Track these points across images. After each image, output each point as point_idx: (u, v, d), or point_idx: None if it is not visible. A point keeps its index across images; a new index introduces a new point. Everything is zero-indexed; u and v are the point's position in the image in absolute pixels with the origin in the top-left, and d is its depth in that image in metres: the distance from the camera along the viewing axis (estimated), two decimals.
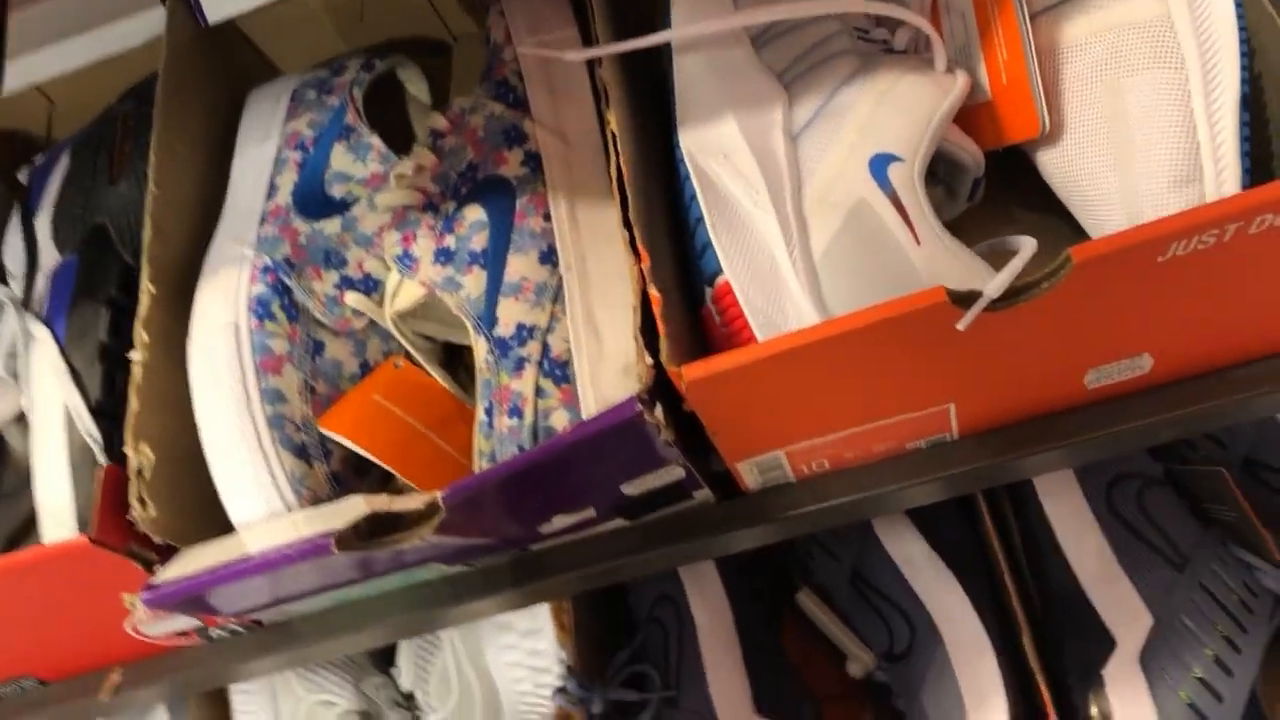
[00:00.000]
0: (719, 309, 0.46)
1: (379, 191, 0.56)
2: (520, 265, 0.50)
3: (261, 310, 0.51)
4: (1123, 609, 0.61)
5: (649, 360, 0.43)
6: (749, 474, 0.49)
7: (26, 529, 0.59)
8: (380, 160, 0.57)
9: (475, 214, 0.51)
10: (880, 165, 0.46)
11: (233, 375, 0.49)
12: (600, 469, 0.45)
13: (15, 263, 0.59)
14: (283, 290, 0.52)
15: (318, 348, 0.52)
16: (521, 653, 0.71)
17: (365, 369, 0.54)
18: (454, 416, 0.53)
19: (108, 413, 0.51)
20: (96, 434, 0.50)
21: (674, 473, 0.47)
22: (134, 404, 0.49)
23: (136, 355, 0.50)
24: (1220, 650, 0.57)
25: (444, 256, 0.51)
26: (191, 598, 0.45)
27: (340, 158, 0.57)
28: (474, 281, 0.50)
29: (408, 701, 0.73)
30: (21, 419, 0.58)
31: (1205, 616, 0.58)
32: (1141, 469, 0.63)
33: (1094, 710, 0.59)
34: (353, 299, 0.54)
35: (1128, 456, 0.64)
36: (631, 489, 0.47)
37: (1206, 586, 0.59)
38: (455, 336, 0.55)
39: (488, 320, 0.49)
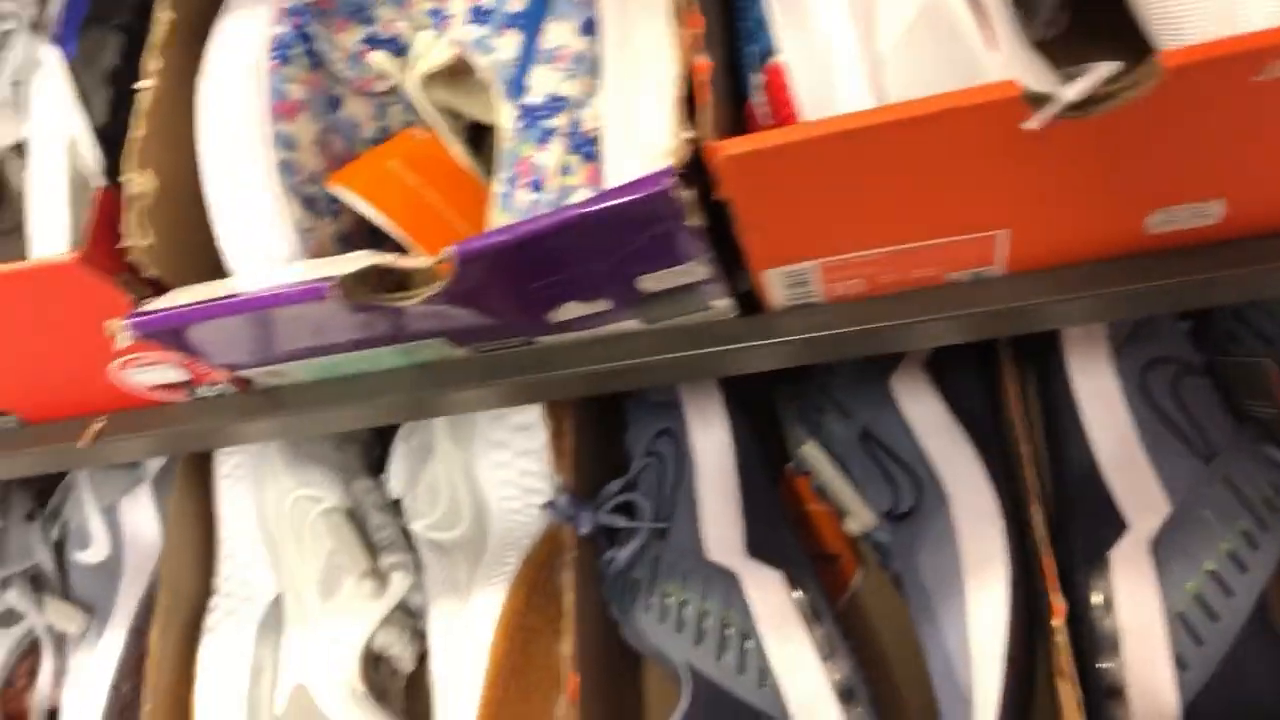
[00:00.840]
0: (767, 94, 0.42)
1: None
2: (558, 32, 0.47)
3: (281, 52, 0.47)
4: (1140, 494, 0.58)
5: (687, 135, 0.40)
6: (776, 286, 0.46)
7: None
8: None
9: None
10: None
11: (244, 112, 0.46)
12: (619, 252, 0.42)
13: None
14: (306, 36, 0.48)
15: (335, 102, 0.49)
16: (514, 471, 0.69)
17: (384, 135, 0.51)
18: (470, 195, 0.51)
19: (110, 139, 0.48)
20: (99, 156, 0.48)
21: (697, 271, 0.44)
22: (140, 129, 0.46)
23: (146, 81, 0.47)
24: (1237, 546, 0.55)
25: (479, 15, 0.48)
26: (177, 331, 0.43)
27: None
28: (508, 44, 0.47)
29: (394, 508, 0.71)
30: (20, 149, 0.55)
31: (1226, 511, 0.56)
32: (1181, 354, 0.60)
33: (1095, 592, 0.57)
34: (377, 58, 0.50)
35: (1168, 338, 0.61)
36: (649, 282, 0.44)
37: (1232, 481, 0.56)
38: (477, 111, 0.52)
39: (517, 86, 0.46)
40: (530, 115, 0.45)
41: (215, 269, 0.47)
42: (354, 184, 0.47)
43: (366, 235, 0.50)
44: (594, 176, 0.44)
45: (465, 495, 0.69)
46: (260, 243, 0.45)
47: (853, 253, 0.44)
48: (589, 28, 0.47)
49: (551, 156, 0.45)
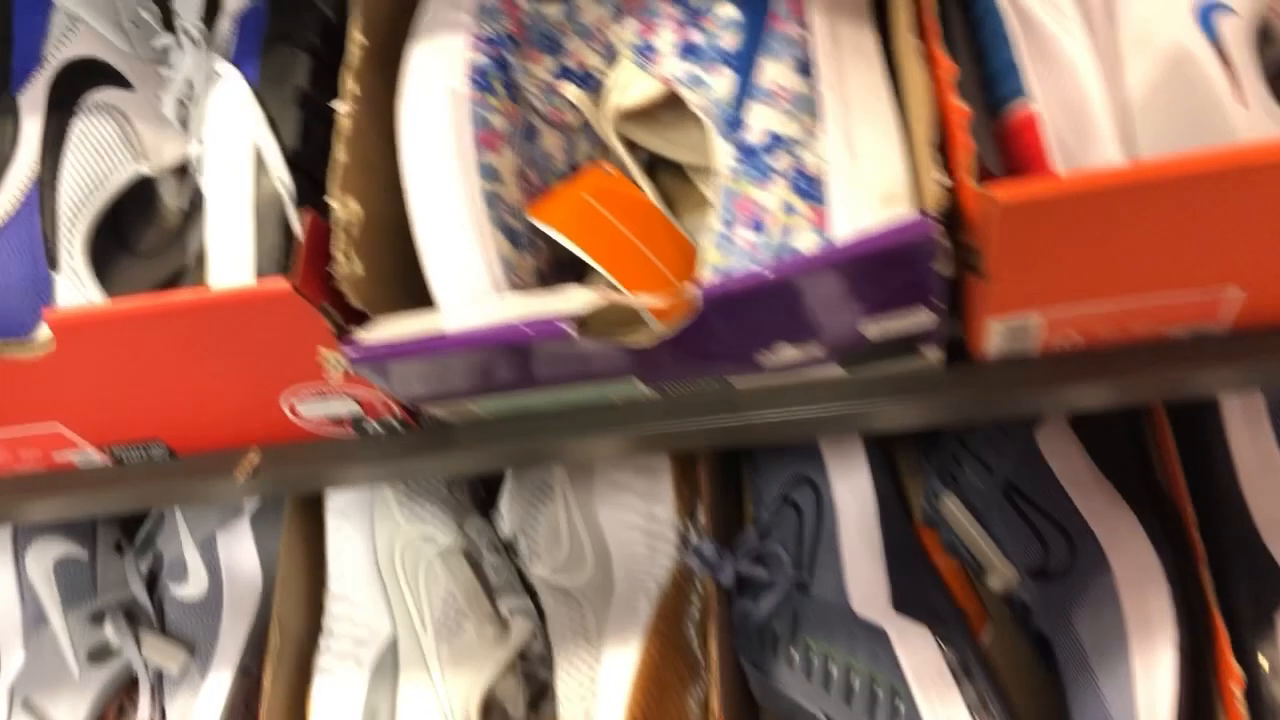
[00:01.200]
0: (1015, 140, 0.41)
1: None
2: (774, 71, 0.45)
3: (482, 81, 0.46)
4: None
5: (942, 179, 0.39)
6: (994, 336, 0.45)
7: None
8: None
9: (727, 11, 0.47)
10: (1207, 13, 0.41)
11: (450, 142, 0.44)
12: (860, 296, 0.41)
13: (187, 9, 0.54)
14: (504, 65, 0.47)
15: (532, 134, 0.48)
16: (638, 514, 0.67)
17: (571, 170, 0.50)
18: (661, 232, 0.49)
19: (300, 163, 0.46)
20: (289, 181, 0.46)
21: (925, 318, 0.43)
22: (341, 156, 0.44)
23: (344, 106, 0.45)
24: None
25: (689, 51, 0.46)
26: (390, 363, 0.41)
27: None
28: (722, 82, 0.46)
29: (507, 548, 0.69)
30: (179, 171, 0.53)
31: None
32: None
33: (1262, 658, 0.55)
34: (572, 92, 0.49)
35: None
36: (874, 329, 0.43)
37: None
38: (668, 148, 0.51)
39: (734, 123, 0.45)
40: (750, 154, 0.44)
41: (409, 299, 0.46)
42: (556, 218, 0.46)
43: (558, 270, 0.48)
44: (819, 219, 0.43)
45: (586, 538, 0.67)
46: (468, 276, 0.43)
47: (1085, 305, 0.43)
48: (804, 68, 0.46)
49: (774, 197, 0.43)
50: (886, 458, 0.66)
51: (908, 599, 0.61)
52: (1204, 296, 0.43)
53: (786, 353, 0.44)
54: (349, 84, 0.46)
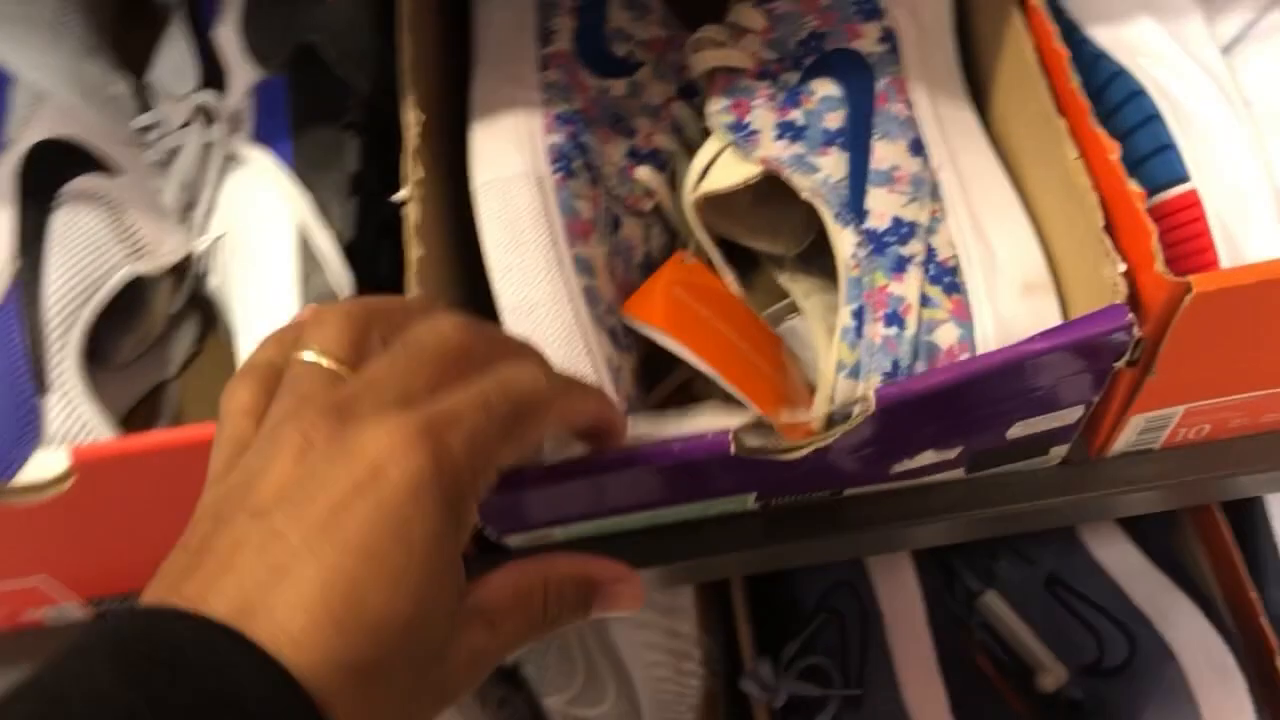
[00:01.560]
0: (1171, 222, 0.39)
1: (664, 58, 0.48)
2: (889, 152, 0.42)
3: (563, 165, 0.41)
4: None
5: (1120, 266, 0.36)
6: (1130, 433, 0.42)
7: (144, 410, 0.47)
8: (661, 24, 0.49)
9: (827, 88, 0.43)
10: None
11: (541, 233, 0.39)
12: (1028, 393, 0.37)
13: (179, 79, 0.47)
14: (582, 148, 0.42)
15: (616, 223, 0.43)
16: (659, 633, 0.61)
17: (648, 259, 0.45)
18: (749, 325, 0.45)
19: (357, 257, 0.40)
20: (347, 277, 0.39)
21: (1073, 415, 0.39)
22: (415, 250, 0.38)
23: (408, 192, 0.39)
24: None
25: (790, 131, 0.43)
26: (534, 491, 0.35)
27: (618, 13, 0.48)
28: (833, 164, 0.42)
29: (510, 675, 0.62)
30: (177, 271, 0.46)
31: None
32: None
33: None
34: (645, 174, 0.44)
35: None
36: (1020, 429, 0.39)
37: None
38: (748, 236, 0.47)
39: (855, 209, 0.41)
40: (877, 242, 0.40)
41: None
42: (654, 317, 0.41)
43: (648, 370, 0.43)
44: (960, 309, 0.40)
45: (604, 661, 0.61)
46: None
47: (1233, 395, 0.41)
48: (917, 148, 0.42)
49: (910, 288, 0.40)
50: (927, 553, 0.63)
51: (968, 706, 0.57)
52: None
53: (925, 457, 0.40)
54: (412, 168, 0.40)
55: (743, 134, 0.43)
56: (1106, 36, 0.42)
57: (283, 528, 0.24)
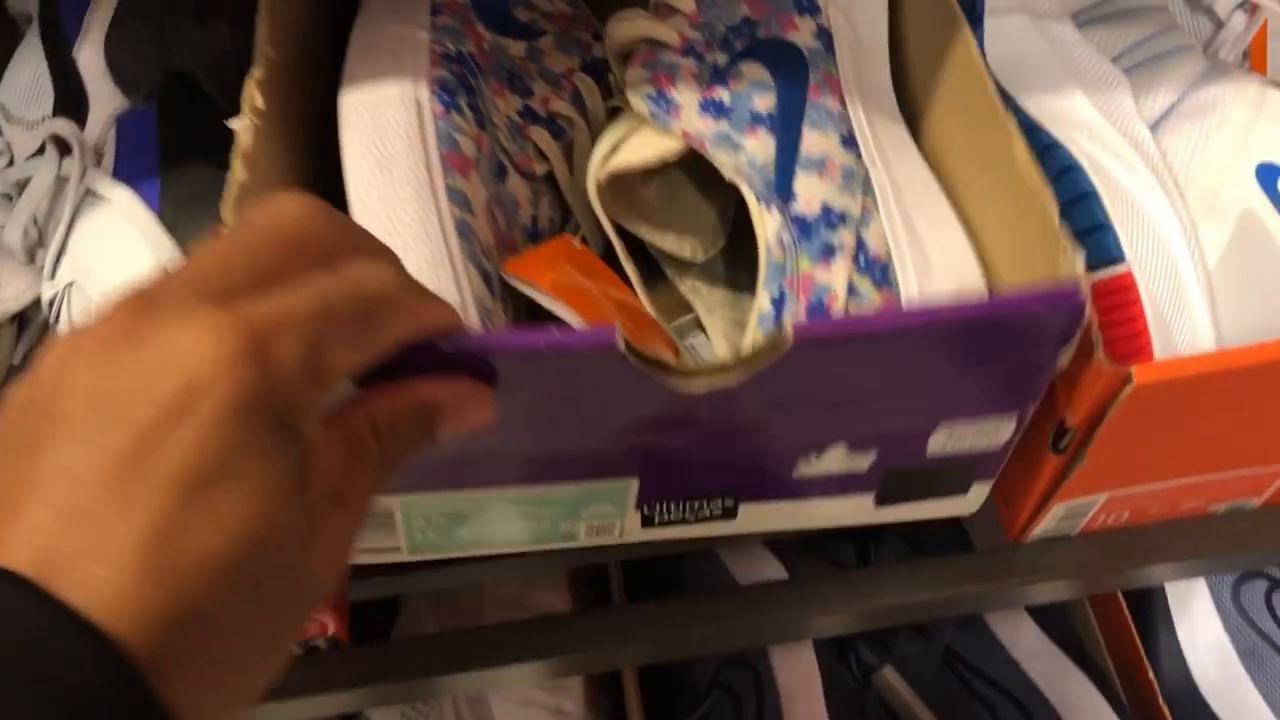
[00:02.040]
0: (1105, 303, 0.37)
1: (567, 33, 0.45)
2: (820, 142, 0.40)
3: (447, 98, 0.38)
4: (1242, 714, 0.56)
5: (1081, 256, 0.33)
6: (1050, 520, 0.40)
7: None
8: (568, 1, 0.46)
9: (756, 73, 0.41)
10: (1269, 176, 0.40)
11: (413, 156, 0.35)
12: (959, 378, 0.33)
13: (32, 102, 0.42)
14: (470, 89, 0.39)
15: (502, 172, 0.40)
16: (542, 711, 0.57)
17: (534, 225, 0.41)
18: (641, 319, 0.41)
19: None
20: None
21: (1001, 431, 0.36)
22: (239, 174, 0.33)
23: (243, 120, 0.35)
24: None
25: (715, 109, 0.40)
26: None
27: None
28: (759, 145, 0.39)
29: None
30: (19, 318, 0.40)
31: None
32: (1270, 569, 0.60)
33: None
34: (541, 137, 0.41)
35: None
36: (940, 440, 0.36)
37: None
38: (652, 234, 0.43)
39: (782, 192, 0.38)
40: (804, 227, 0.38)
41: None
42: (540, 277, 0.37)
43: None
44: (890, 303, 0.37)
45: None
46: None
47: (1157, 484, 0.39)
48: (850, 143, 0.40)
49: (837, 277, 0.37)
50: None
51: None
52: (1265, 471, 0.40)
53: (834, 459, 0.37)
54: (254, 97, 0.35)
55: (663, 105, 0.40)
56: (1039, 108, 0.41)
57: (78, 465, 0.20)
